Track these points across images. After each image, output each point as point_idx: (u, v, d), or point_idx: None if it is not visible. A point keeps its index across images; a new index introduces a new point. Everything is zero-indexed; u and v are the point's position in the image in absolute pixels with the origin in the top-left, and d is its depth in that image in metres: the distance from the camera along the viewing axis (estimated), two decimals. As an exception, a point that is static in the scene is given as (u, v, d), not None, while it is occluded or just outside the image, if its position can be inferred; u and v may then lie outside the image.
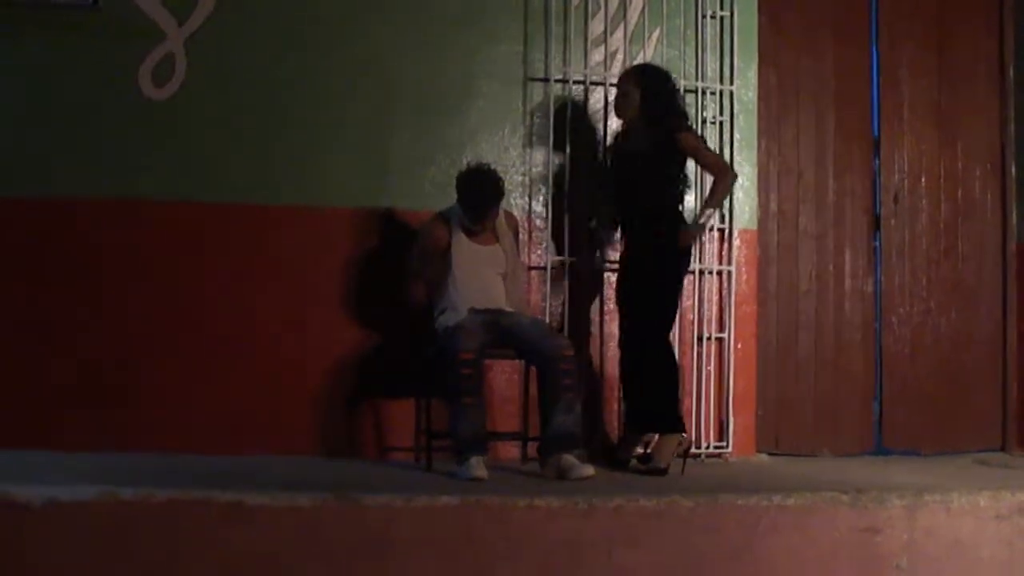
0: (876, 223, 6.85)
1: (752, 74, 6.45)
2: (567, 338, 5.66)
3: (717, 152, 6.07)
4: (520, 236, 5.90)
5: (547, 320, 5.95)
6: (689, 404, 6.13)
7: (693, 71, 6.34)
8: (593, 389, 6.05)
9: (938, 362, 6.92)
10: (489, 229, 5.62)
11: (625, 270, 5.80)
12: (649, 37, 6.28)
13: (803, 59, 6.77)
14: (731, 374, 6.27)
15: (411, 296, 5.66)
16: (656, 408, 5.64)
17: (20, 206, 5.75)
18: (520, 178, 6.13)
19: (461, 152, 6.02)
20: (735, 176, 5.92)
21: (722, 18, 6.39)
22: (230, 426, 5.75)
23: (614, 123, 5.97)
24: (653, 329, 5.67)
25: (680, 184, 5.77)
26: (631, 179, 5.74)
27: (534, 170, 6.15)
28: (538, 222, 6.13)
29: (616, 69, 6.21)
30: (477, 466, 5.16)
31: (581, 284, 6.13)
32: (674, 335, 5.90)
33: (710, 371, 6.20)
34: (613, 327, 6.00)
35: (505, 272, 5.65)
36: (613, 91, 5.95)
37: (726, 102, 6.38)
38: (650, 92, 5.70)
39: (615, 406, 6.11)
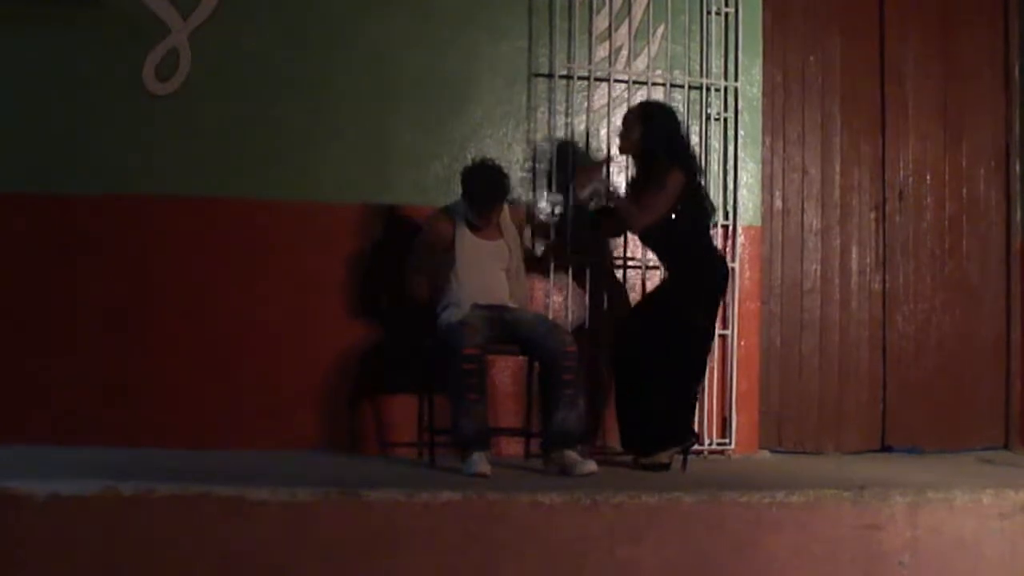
0: (881, 220, 6.84)
1: (757, 70, 6.43)
2: (570, 334, 5.65)
3: (669, 203, 5.59)
4: (524, 232, 5.90)
5: (550, 316, 5.94)
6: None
7: (698, 67, 6.33)
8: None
9: (942, 360, 6.91)
10: (493, 225, 5.62)
11: (663, 303, 5.72)
12: (654, 33, 6.27)
13: (808, 56, 6.76)
14: (735, 371, 6.26)
15: (414, 291, 5.65)
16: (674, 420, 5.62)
17: (21, 201, 5.74)
18: (524, 174, 6.12)
19: (465, 148, 6.01)
20: (636, 231, 5.77)
21: (727, 14, 6.37)
22: (232, 421, 5.75)
23: (617, 119, 5.95)
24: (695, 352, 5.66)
25: (694, 218, 5.66)
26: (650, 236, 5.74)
27: (538, 166, 6.14)
28: (542, 218, 6.12)
29: (621, 65, 6.21)
30: (480, 462, 5.15)
31: (586, 281, 6.12)
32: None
33: (714, 368, 6.19)
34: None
35: (509, 268, 5.65)
36: (617, 87, 5.93)
37: (731, 99, 6.37)
38: (651, 129, 5.65)
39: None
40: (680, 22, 6.31)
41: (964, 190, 7.00)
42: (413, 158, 6.02)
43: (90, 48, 5.79)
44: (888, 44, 6.89)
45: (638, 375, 5.60)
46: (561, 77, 6.16)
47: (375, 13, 6.01)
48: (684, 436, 5.62)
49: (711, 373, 6.14)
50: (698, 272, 5.66)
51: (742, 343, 6.28)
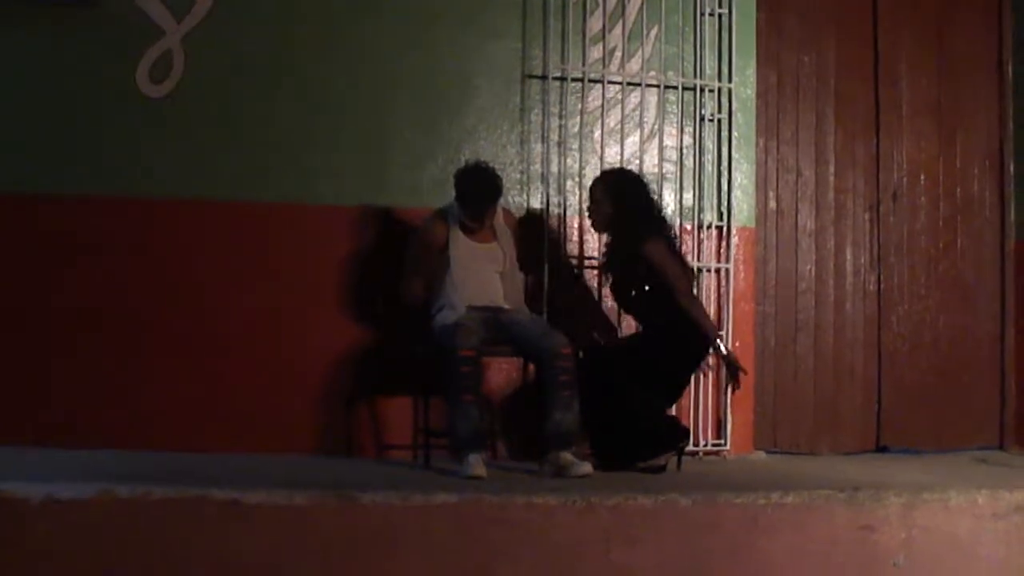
0: (876, 220, 6.85)
1: (751, 71, 6.44)
2: (565, 336, 5.65)
3: (684, 265, 5.79)
4: (518, 233, 5.90)
5: (544, 317, 5.94)
6: (688, 402, 6.12)
7: (691, 68, 6.34)
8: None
9: (937, 360, 6.92)
10: (487, 227, 5.63)
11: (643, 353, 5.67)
12: (647, 34, 6.27)
13: (802, 56, 6.77)
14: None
15: (409, 293, 5.65)
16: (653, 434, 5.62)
17: (17, 202, 5.73)
18: (518, 176, 6.12)
19: (459, 150, 6.01)
20: (695, 301, 5.76)
21: (720, 15, 6.38)
22: (228, 424, 5.74)
23: (612, 122, 5.96)
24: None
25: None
26: (626, 301, 5.76)
27: (532, 168, 6.14)
28: (535, 220, 6.12)
29: (614, 66, 6.22)
30: (476, 464, 5.15)
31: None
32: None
33: (709, 369, 6.18)
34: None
35: (503, 270, 5.65)
36: (611, 88, 5.92)
37: (724, 100, 6.38)
38: (620, 201, 5.64)
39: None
40: (673, 23, 6.32)
41: (958, 190, 7.01)
42: (408, 159, 6.02)
43: (84, 50, 5.77)
44: (882, 45, 6.90)
45: (615, 404, 5.54)
46: (555, 79, 6.16)
47: (368, 15, 6.01)
48: (671, 441, 5.60)
49: (706, 375, 6.14)
50: (684, 336, 5.64)
51: (737, 344, 6.28)
